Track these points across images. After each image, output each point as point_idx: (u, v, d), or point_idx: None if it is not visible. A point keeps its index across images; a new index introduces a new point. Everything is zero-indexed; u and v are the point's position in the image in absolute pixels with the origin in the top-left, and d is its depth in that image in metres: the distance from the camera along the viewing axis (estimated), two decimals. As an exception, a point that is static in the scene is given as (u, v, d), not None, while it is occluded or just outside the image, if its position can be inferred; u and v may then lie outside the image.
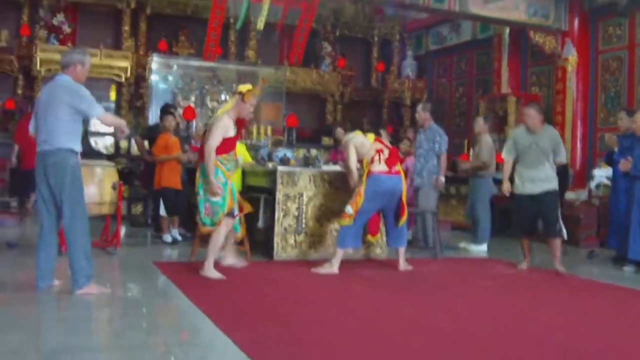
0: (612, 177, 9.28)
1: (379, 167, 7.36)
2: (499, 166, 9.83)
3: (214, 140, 6.43)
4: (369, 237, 7.92)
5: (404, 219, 7.66)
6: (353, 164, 7.50)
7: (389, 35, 17.51)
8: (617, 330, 5.16)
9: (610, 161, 9.19)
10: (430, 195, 9.21)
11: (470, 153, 9.87)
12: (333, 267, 7.22)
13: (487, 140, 9.86)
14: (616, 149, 9.01)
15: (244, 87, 6.70)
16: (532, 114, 7.86)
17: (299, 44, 11.34)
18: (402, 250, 7.70)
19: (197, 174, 6.62)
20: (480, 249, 9.59)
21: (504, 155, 8.23)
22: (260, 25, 10.45)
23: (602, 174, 10.50)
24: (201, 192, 6.53)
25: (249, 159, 9.15)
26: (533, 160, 7.84)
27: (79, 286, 5.55)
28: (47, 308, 5.32)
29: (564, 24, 12.65)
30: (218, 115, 6.65)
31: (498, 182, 12.07)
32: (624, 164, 8.27)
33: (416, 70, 17.10)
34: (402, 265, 7.65)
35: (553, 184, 7.87)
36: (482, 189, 9.76)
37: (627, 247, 8.15)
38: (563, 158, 8.04)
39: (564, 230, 7.93)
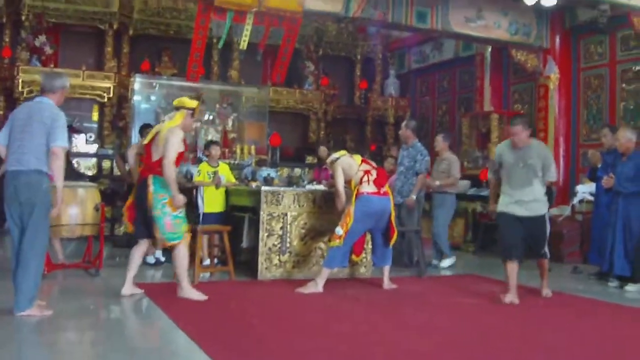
0: (596, 193, 9.31)
1: (368, 188, 7.38)
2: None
3: (174, 154, 6.20)
4: (354, 257, 7.90)
5: (394, 239, 7.71)
6: (341, 185, 7.50)
7: (371, 54, 17.55)
8: (604, 346, 5.16)
9: (594, 177, 9.24)
10: (412, 214, 9.20)
11: (432, 170, 9.82)
12: (318, 286, 7.19)
13: (452, 157, 9.92)
14: (599, 165, 9.05)
15: (192, 102, 6.57)
16: (518, 131, 6.97)
17: (282, 64, 11.32)
18: (386, 268, 7.70)
19: (150, 190, 6.21)
20: (449, 263, 9.67)
21: (489, 174, 7.64)
22: (244, 45, 10.43)
23: (585, 190, 10.53)
24: (159, 208, 6.20)
25: (233, 179, 9.11)
26: (520, 179, 6.99)
27: (21, 308, 5.46)
28: (24, 331, 5.24)
29: (545, 42, 12.73)
30: (172, 129, 6.30)
31: (468, 198, 12.17)
32: (607, 181, 8.32)
33: (399, 88, 17.16)
34: (387, 284, 7.64)
35: (542, 208, 7.15)
36: (447, 204, 9.82)
37: (610, 262, 8.17)
38: (553, 176, 7.30)
39: (546, 250, 7.49)
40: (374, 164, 7.78)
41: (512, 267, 7.11)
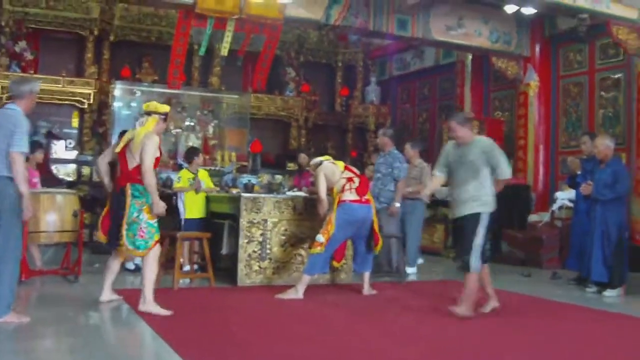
0: (575, 199, 9.38)
1: (350, 196, 7.38)
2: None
3: (151, 161, 6.08)
4: (334, 263, 7.90)
5: (379, 246, 7.79)
6: (323, 192, 7.50)
7: (352, 61, 17.60)
8: (582, 351, 5.18)
9: (573, 184, 9.32)
10: (390, 220, 9.19)
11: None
12: (298, 293, 7.18)
13: (423, 164, 9.95)
14: (579, 172, 9.13)
15: (164, 107, 6.48)
16: (453, 127, 6.54)
17: (263, 70, 11.33)
18: (367, 274, 7.70)
19: (128, 199, 6.08)
20: (414, 270, 9.67)
21: (434, 171, 7.05)
22: (224, 51, 10.43)
23: (564, 196, 10.61)
24: (135, 214, 6.08)
25: (211, 185, 9.09)
26: (460, 177, 6.53)
27: None
28: (1, 338, 5.19)
29: (525, 50, 12.84)
30: (147, 135, 6.15)
31: (448, 204, 12.22)
32: (585, 188, 8.38)
33: (380, 95, 17.21)
34: (367, 289, 7.64)
35: (476, 207, 6.42)
36: (417, 211, 9.82)
37: (589, 268, 8.23)
38: (504, 173, 6.48)
39: (475, 264, 6.33)
40: (356, 171, 7.79)
41: (474, 276, 6.44)
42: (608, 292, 8.05)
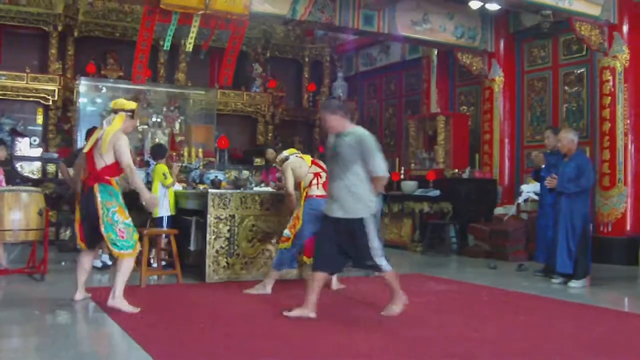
0: (540, 192, 9.49)
1: (317, 191, 7.36)
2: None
3: (129, 157, 6.08)
4: (305, 258, 7.91)
5: None
6: (291, 187, 7.50)
7: (319, 57, 17.63)
8: (547, 341, 5.25)
9: (538, 178, 9.42)
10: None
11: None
12: (266, 288, 7.19)
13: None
14: (543, 166, 9.24)
15: (131, 104, 6.44)
16: (324, 117, 6.05)
17: (229, 66, 11.30)
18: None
19: (97, 199, 6.00)
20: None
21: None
22: (189, 47, 10.38)
23: (529, 189, 10.73)
24: (110, 215, 6.01)
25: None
26: (332, 171, 6.07)
27: None
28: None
29: (490, 45, 12.97)
30: (115, 134, 6.08)
31: (415, 198, 12.30)
32: (550, 181, 8.49)
33: (347, 91, 17.25)
34: (335, 284, 7.66)
35: (360, 210, 5.85)
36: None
37: (554, 260, 8.34)
38: (376, 170, 5.79)
39: (383, 263, 5.99)
40: (323, 165, 7.78)
41: (319, 278, 6.00)
42: (573, 283, 8.17)
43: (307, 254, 7.88)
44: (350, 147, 5.82)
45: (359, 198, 5.83)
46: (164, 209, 8.64)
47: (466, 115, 14.00)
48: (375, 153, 5.80)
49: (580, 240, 8.21)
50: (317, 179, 7.44)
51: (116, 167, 6.12)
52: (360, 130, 5.97)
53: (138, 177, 6.18)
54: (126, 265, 6.07)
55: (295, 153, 7.79)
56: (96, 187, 6.03)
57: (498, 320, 6.12)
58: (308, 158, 7.71)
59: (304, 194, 7.40)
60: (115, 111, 6.27)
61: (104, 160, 6.07)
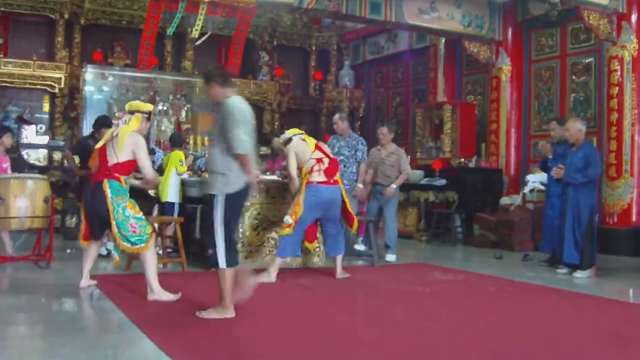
0: (547, 183, 9.46)
1: (318, 177, 7.36)
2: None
3: (148, 159, 6.24)
4: (306, 243, 7.91)
5: (355, 225, 7.83)
6: (293, 170, 7.48)
7: (326, 45, 17.59)
8: (553, 331, 5.25)
9: (545, 168, 9.38)
10: (352, 203, 9.21)
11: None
12: (271, 276, 7.19)
13: (399, 150, 9.71)
14: (550, 156, 9.20)
15: (147, 106, 6.47)
16: (205, 86, 5.67)
17: (236, 54, 11.29)
18: (339, 258, 7.70)
19: (107, 195, 5.99)
20: (393, 259, 9.49)
21: None
22: (195, 34, 10.37)
23: (535, 179, 10.70)
24: (120, 211, 6.00)
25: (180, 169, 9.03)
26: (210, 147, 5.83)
27: None
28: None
29: (498, 34, 12.90)
30: (133, 135, 6.11)
31: (420, 187, 12.27)
32: (557, 172, 8.46)
33: (354, 79, 17.23)
34: (340, 273, 7.65)
35: (214, 186, 5.36)
36: (394, 198, 9.61)
37: (561, 250, 8.32)
38: (234, 144, 5.20)
39: (222, 259, 5.30)
40: (327, 150, 7.75)
41: (226, 273, 5.39)
42: (578, 274, 8.15)
43: (310, 239, 7.89)
44: (219, 120, 5.41)
45: (216, 173, 5.34)
46: (176, 195, 8.69)
47: (473, 104, 13.95)
48: (234, 126, 5.22)
49: (586, 231, 8.18)
50: (319, 165, 7.41)
51: (127, 166, 6.16)
52: (232, 101, 5.41)
53: (157, 178, 6.43)
54: (149, 258, 6.08)
55: (299, 134, 7.71)
56: (105, 182, 6.05)
57: (504, 310, 6.11)
58: (312, 142, 7.63)
59: (305, 179, 7.37)
60: (132, 112, 6.29)
61: (117, 157, 6.10)
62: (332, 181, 7.45)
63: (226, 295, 5.36)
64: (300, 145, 7.55)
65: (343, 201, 7.62)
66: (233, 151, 5.22)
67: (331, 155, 7.65)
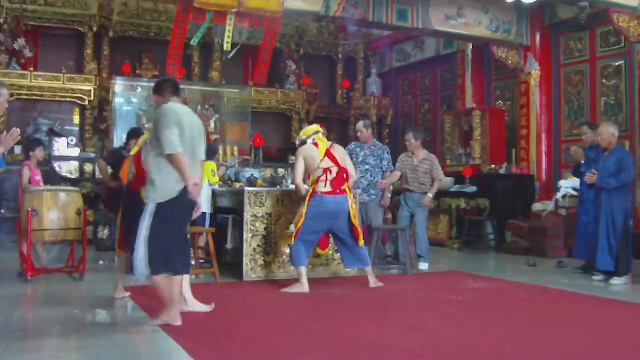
0: (580, 188, 9.35)
1: (324, 188, 7.22)
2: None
3: None
4: (319, 250, 7.88)
5: (360, 239, 7.51)
6: (299, 177, 7.31)
7: (353, 53, 17.56)
8: (588, 339, 5.17)
9: (578, 173, 9.27)
10: (378, 212, 9.17)
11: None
12: (303, 287, 7.16)
13: (431, 156, 9.58)
14: (583, 161, 9.10)
15: None
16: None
17: (264, 64, 11.32)
18: (368, 269, 7.63)
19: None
20: (426, 267, 9.40)
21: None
22: (228, 47, 10.39)
23: (568, 185, 10.59)
24: None
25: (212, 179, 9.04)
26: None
27: None
28: (8, 338, 5.18)
29: (526, 39, 12.80)
30: None
31: (451, 195, 12.18)
32: (590, 177, 8.35)
33: (381, 87, 17.18)
34: (373, 282, 7.59)
35: (146, 194, 5.42)
36: (426, 207, 9.51)
37: (595, 257, 8.21)
38: (166, 146, 5.21)
39: (139, 266, 5.29)
40: (339, 156, 7.46)
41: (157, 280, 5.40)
42: (614, 281, 8.03)
43: (322, 247, 7.85)
44: (153, 124, 5.47)
45: (149, 179, 5.38)
46: (207, 206, 8.71)
47: (502, 110, 13.85)
48: (165, 128, 5.24)
49: (621, 237, 8.07)
50: (327, 175, 7.24)
51: None
52: (169, 105, 5.47)
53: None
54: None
55: (319, 131, 7.57)
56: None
57: (538, 319, 6.03)
58: (323, 148, 7.37)
59: (311, 189, 7.27)
60: None
61: None
62: (338, 191, 7.26)
63: (166, 300, 5.39)
64: (311, 152, 7.34)
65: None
66: (166, 151, 5.20)
67: (341, 164, 7.37)
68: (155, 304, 6.27)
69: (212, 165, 8.94)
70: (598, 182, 8.20)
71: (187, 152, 5.33)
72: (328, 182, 7.23)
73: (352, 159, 8.73)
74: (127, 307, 6.35)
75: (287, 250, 7.65)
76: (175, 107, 5.46)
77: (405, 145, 9.67)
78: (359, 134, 9.34)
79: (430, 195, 9.24)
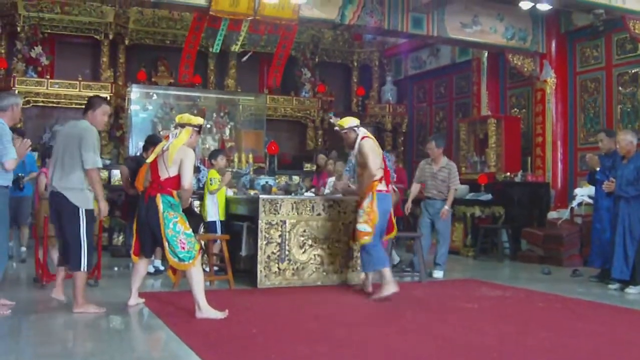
0: (595, 196, 9.29)
1: (382, 186, 7.29)
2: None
3: (191, 179, 6.24)
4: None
5: (393, 233, 7.70)
6: (376, 165, 7.26)
7: (368, 61, 17.56)
8: (604, 348, 5.13)
9: (593, 181, 9.22)
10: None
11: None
12: (393, 286, 7.10)
13: (450, 164, 9.56)
14: (598, 169, 9.04)
15: (197, 119, 6.48)
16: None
17: (278, 68, 11.39)
18: (369, 275, 7.62)
19: (160, 209, 6.07)
20: (441, 276, 9.37)
21: None
22: (236, 48, 10.46)
23: (583, 193, 10.54)
24: (170, 226, 6.06)
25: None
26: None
27: None
28: (22, 344, 5.20)
29: (541, 46, 12.78)
30: (184, 150, 6.18)
31: (466, 202, 12.13)
32: (608, 185, 8.28)
33: (396, 95, 17.17)
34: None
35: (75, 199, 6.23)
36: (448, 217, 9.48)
37: (611, 265, 8.16)
38: (87, 161, 6.13)
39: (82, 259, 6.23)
40: (386, 158, 7.64)
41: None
42: (630, 289, 7.97)
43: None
44: (75, 138, 6.21)
45: (75, 188, 6.23)
46: (215, 213, 8.72)
47: (518, 117, 13.80)
48: (90, 145, 6.13)
49: (638, 245, 8.01)
50: (384, 174, 7.35)
51: (179, 180, 6.19)
52: (80, 123, 6.34)
53: (189, 199, 6.49)
54: (195, 275, 6.09)
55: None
56: (158, 197, 6.10)
57: (554, 328, 5.99)
58: (379, 151, 7.55)
59: (374, 186, 7.21)
60: (182, 125, 6.33)
61: (168, 172, 6.14)
62: (387, 190, 7.38)
63: (79, 292, 6.24)
64: (376, 148, 7.43)
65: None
66: (85, 166, 6.14)
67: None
68: (169, 309, 6.30)
69: (211, 173, 8.91)
70: (616, 190, 8.15)
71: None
72: (383, 181, 7.31)
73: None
74: (141, 313, 6.36)
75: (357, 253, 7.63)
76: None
77: (419, 153, 9.67)
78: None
79: (447, 207, 9.20)
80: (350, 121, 7.61)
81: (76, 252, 6.21)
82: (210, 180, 8.81)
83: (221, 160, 9.12)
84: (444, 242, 9.42)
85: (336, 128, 7.78)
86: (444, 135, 13.00)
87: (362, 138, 7.41)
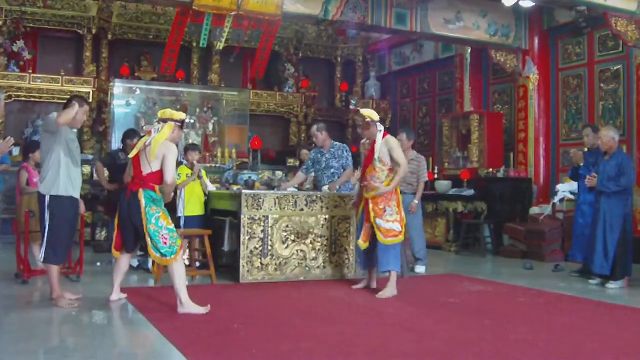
0: (578, 191, 9.36)
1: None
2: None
3: (174, 174, 6.19)
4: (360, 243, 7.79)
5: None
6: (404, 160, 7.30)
7: (352, 56, 17.58)
8: (584, 342, 5.17)
9: (576, 176, 9.28)
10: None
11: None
12: (395, 290, 7.21)
13: (420, 157, 9.52)
14: (581, 164, 9.11)
15: (180, 114, 6.42)
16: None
17: (261, 61, 11.37)
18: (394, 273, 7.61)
19: (142, 204, 6.05)
20: (423, 270, 9.39)
21: None
22: (220, 45, 10.45)
23: (565, 188, 10.61)
24: (153, 221, 6.04)
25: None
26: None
27: None
28: (3, 340, 5.18)
29: (524, 42, 12.84)
30: (166, 144, 6.14)
31: (449, 197, 12.18)
32: (589, 180, 8.36)
33: (380, 90, 17.19)
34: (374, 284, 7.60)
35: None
36: (418, 209, 9.43)
37: (592, 260, 8.22)
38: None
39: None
40: None
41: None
42: (611, 284, 8.04)
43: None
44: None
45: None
46: (180, 209, 8.53)
47: (500, 113, 13.87)
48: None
49: (619, 240, 8.07)
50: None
51: (161, 175, 6.17)
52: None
53: (171, 194, 6.41)
54: (177, 270, 6.07)
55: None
56: (140, 192, 6.08)
57: (535, 322, 6.03)
58: None
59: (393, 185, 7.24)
60: (164, 120, 6.29)
61: (150, 166, 6.12)
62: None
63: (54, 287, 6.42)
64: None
65: None
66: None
67: None
68: (151, 304, 6.29)
69: (181, 168, 8.73)
70: (598, 185, 8.21)
71: None
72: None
73: (315, 166, 8.99)
74: (123, 309, 6.34)
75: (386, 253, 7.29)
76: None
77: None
78: (314, 139, 9.23)
79: (416, 200, 9.16)
80: (375, 115, 7.50)
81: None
82: (178, 175, 8.75)
83: (190, 155, 8.91)
84: (418, 236, 9.42)
85: (357, 117, 7.65)
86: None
87: (384, 134, 7.35)
